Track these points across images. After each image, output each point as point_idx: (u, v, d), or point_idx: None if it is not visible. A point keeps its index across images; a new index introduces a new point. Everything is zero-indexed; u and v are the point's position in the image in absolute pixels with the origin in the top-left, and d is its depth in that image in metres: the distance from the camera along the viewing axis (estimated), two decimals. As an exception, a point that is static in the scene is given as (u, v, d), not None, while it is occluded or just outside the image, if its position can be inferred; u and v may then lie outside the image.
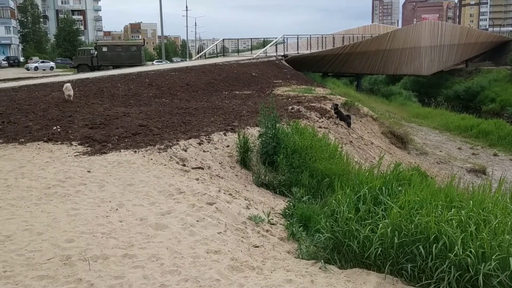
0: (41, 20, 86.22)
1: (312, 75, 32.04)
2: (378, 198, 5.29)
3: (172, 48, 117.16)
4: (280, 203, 7.38)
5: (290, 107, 14.59)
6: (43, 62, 53.29)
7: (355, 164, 9.47)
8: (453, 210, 4.38)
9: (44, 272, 4.08)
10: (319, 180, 8.00)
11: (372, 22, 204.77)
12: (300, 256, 4.95)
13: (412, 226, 4.21)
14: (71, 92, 14.49)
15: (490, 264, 3.72)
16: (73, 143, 9.09)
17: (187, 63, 31.27)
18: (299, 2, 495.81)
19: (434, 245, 3.94)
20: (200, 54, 43.03)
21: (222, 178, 7.88)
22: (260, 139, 9.27)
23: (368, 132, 16.19)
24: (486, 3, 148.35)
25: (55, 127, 10.38)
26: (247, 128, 10.63)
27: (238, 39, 41.65)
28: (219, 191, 6.84)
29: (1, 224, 5.12)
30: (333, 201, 5.36)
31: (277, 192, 8.14)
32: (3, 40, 75.19)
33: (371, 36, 43.17)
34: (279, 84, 22.99)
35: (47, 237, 4.80)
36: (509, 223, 4.27)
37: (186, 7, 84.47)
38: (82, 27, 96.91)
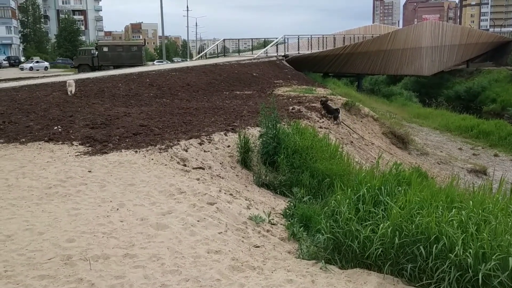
0: (42, 20, 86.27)
1: (312, 76, 32.04)
2: (378, 198, 5.29)
3: (173, 48, 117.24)
4: (281, 203, 7.39)
5: (290, 107, 14.59)
6: (37, 62, 53.25)
7: (355, 165, 9.48)
8: (453, 210, 4.38)
9: (45, 271, 4.09)
10: (320, 181, 8.01)
11: (373, 22, 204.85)
12: (301, 256, 4.96)
13: (413, 226, 4.21)
14: (72, 88, 15.32)
15: (490, 265, 3.72)
16: (74, 143, 9.10)
17: (188, 63, 31.30)
18: (299, 2, 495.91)
19: (435, 246, 3.95)
20: (201, 54, 43.06)
21: (222, 178, 7.89)
22: (260, 139, 9.27)
23: (369, 133, 16.20)
24: (487, 3, 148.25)
25: (56, 127, 10.39)
26: (248, 128, 10.63)
27: (239, 39, 41.58)
28: (220, 191, 6.85)
29: (2, 224, 5.13)
30: (333, 201, 5.36)
31: (278, 192, 8.14)
32: (4, 40, 75.24)
33: (372, 37, 43.18)
34: (279, 84, 22.99)
35: (48, 237, 4.81)
36: (510, 223, 4.28)
37: (187, 7, 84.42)
38: (82, 27, 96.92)
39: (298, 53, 35.90)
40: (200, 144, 9.15)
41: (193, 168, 7.93)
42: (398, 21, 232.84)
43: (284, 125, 10.21)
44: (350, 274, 4.37)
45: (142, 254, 4.49)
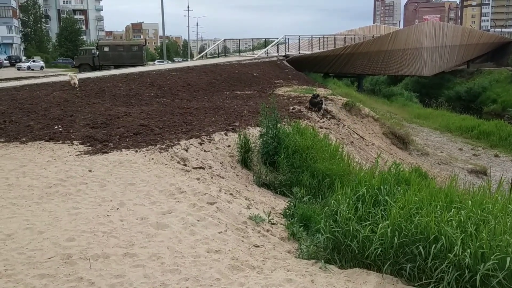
0: (43, 20, 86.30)
1: (313, 76, 32.05)
2: (377, 198, 5.30)
3: (174, 48, 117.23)
4: (281, 203, 7.40)
5: (291, 107, 14.60)
6: (34, 61, 53.27)
7: (356, 165, 9.48)
8: (453, 210, 4.39)
9: (45, 270, 4.10)
10: (320, 181, 8.01)
11: (374, 22, 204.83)
12: (301, 256, 4.96)
13: (412, 226, 4.22)
14: (76, 80, 16.77)
15: (489, 265, 3.72)
16: (75, 142, 9.12)
17: (189, 63, 31.31)
18: (300, 2, 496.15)
19: (434, 245, 3.96)
20: (201, 54, 43.08)
21: (223, 178, 7.90)
22: (261, 139, 9.28)
23: (369, 133, 16.20)
24: (488, 4, 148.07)
25: (56, 127, 10.41)
26: (248, 128, 10.64)
27: (239, 39, 41.60)
28: (220, 190, 6.86)
29: (2, 223, 5.14)
30: (333, 201, 5.37)
31: (278, 192, 8.15)
32: (5, 39, 75.24)
33: (373, 37, 43.17)
34: (280, 85, 23.00)
35: (48, 236, 4.82)
36: (509, 223, 4.28)
37: (188, 7, 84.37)
38: (83, 27, 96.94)
39: (299, 53, 35.91)
40: (201, 144, 9.16)
41: (193, 168, 7.94)
42: (399, 22, 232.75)
43: (284, 125, 10.22)
44: (350, 274, 4.37)
45: (142, 253, 4.50)
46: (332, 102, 17.21)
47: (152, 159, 8.00)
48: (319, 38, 40.59)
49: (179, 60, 72.43)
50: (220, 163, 8.62)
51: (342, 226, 4.71)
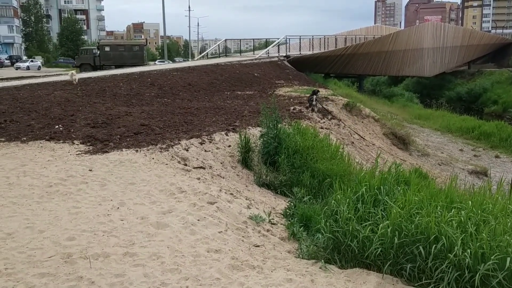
0: (44, 19, 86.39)
1: (314, 76, 32.05)
2: (377, 198, 5.30)
3: (175, 48, 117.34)
4: (281, 203, 7.40)
5: (292, 108, 14.61)
6: (32, 61, 53.33)
7: (356, 165, 9.48)
8: (453, 211, 4.39)
9: (45, 269, 4.10)
10: (320, 181, 8.02)
11: (375, 23, 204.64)
12: (301, 255, 4.96)
13: (413, 226, 4.22)
14: (76, 77, 17.59)
15: (489, 265, 3.72)
16: (75, 142, 9.12)
17: (189, 63, 31.32)
18: (301, 2, 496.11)
19: (434, 246, 3.96)
20: (202, 54, 43.12)
21: (223, 177, 7.90)
22: (261, 139, 9.28)
23: (369, 133, 16.20)
24: (489, 5, 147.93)
25: (57, 126, 10.42)
26: (249, 128, 10.65)
27: (240, 40, 41.61)
28: (220, 190, 6.86)
29: (3, 221, 5.14)
30: (333, 201, 5.37)
31: (278, 192, 8.15)
32: (6, 39, 75.32)
33: (374, 37, 43.15)
34: (281, 85, 23.00)
35: (49, 235, 4.82)
36: (509, 223, 4.28)
37: (189, 7, 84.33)
38: (84, 27, 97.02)
39: (300, 53, 35.92)
40: (201, 143, 9.17)
41: (194, 168, 7.94)
42: (400, 22, 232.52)
43: (285, 125, 10.22)
44: (350, 274, 4.37)
45: (142, 252, 4.50)
46: (333, 102, 17.22)
47: (153, 158, 8.01)
48: (320, 38, 40.57)
49: (180, 60, 72.47)
50: (221, 163, 8.63)
51: (342, 226, 4.71)
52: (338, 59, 36.58)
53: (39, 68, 50.09)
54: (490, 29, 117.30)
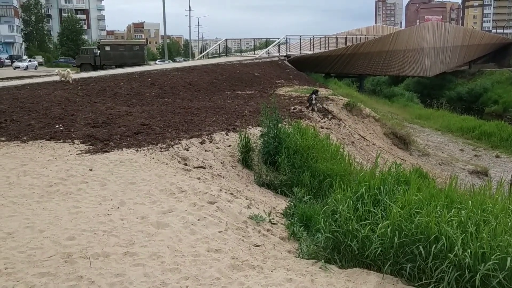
0: (45, 19, 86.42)
1: (314, 76, 32.03)
2: (377, 197, 5.30)
3: (175, 48, 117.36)
4: (281, 203, 7.40)
5: (292, 107, 14.60)
6: (30, 61, 53.33)
7: (356, 165, 9.47)
8: (453, 210, 4.39)
9: (45, 269, 4.10)
10: (321, 180, 8.01)
11: (375, 23, 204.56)
12: (301, 255, 4.96)
13: (413, 226, 4.21)
14: (71, 75, 18.23)
15: (490, 265, 3.72)
16: (75, 141, 9.13)
17: (190, 63, 31.32)
18: (302, 2, 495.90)
19: (434, 245, 3.95)
20: (202, 54, 43.10)
21: (223, 177, 7.90)
22: (261, 139, 9.28)
23: (370, 133, 16.19)
24: (490, 4, 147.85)
25: (57, 126, 10.42)
26: (249, 128, 10.64)
27: (241, 39, 41.59)
28: (221, 190, 6.86)
29: (3, 221, 5.15)
30: (333, 200, 5.37)
31: (278, 192, 8.15)
32: (6, 38, 75.36)
33: (374, 37, 43.14)
34: (281, 85, 22.99)
35: (49, 234, 4.82)
36: (509, 223, 4.28)
37: (189, 7, 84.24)
38: (85, 26, 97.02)
39: (300, 53, 35.91)
40: (201, 143, 9.17)
41: (194, 167, 7.94)
42: (401, 22, 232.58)
43: (285, 125, 10.22)
44: (350, 274, 4.37)
45: (142, 252, 4.50)
46: (333, 102, 17.21)
47: (153, 158, 8.00)
48: (321, 38, 40.57)
49: (180, 59, 72.53)
50: (221, 162, 8.63)
51: (342, 226, 4.71)
52: (339, 59, 36.57)
53: (35, 67, 50.02)
54: (490, 29, 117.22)
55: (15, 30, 76.80)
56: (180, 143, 8.95)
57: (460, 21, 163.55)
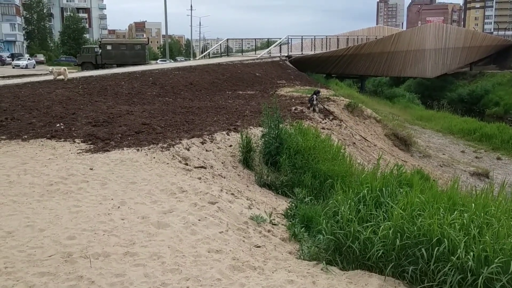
0: (47, 18, 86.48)
1: (315, 76, 31.99)
2: (379, 199, 5.27)
3: (176, 47, 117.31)
4: (282, 204, 7.37)
5: (293, 108, 14.58)
6: (29, 59, 53.33)
7: (358, 166, 9.45)
8: (455, 213, 4.36)
9: (45, 268, 4.08)
10: (322, 181, 7.98)
11: (377, 24, 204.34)
12: (302, 257, 4.93)
13: (415, 228, 4.18)
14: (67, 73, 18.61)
15: (493, 268, 3.69)
16: (76, 140, 9.11)
17: (191, 63, 31.30)
18: (303, 2, 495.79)
19: (437, 248, 3.92)
20: (204, 54, 43.03)
21: (224, 177, 7.87)
22: (263, 139, 9.26)
23: (371, 134, 16.17)
24: (491, 6, 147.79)
25: (58, 124, 10.40)
26: (250, 128, 10.62)
27: (242, 39, 41.56)
28: (221, 190, 6.83)
29: (3, 220, 5.12)
30: (334, 202, 5.34)
31: (279, 193, 8.13)
32: (8, 37, 75.40)
33: (376, 38, 43.09)
34: (282, 85, 22.97)
35: (49, 233, 4.80)
36: (512, 226, 4.25)
37: (191, 6, 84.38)
38: (87, 25, 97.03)
39: (301, 53, 35.87)
40: (202, 143, 9.15)
41: (195, 167, 7.92)
42: (402, 23, 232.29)
43: (286, 125, 10.19)
44: (351, 276, 4.34)
45: (142, 252, 4.48)
46: (334, 103, 17.18)
47: (154, 158, 7.98)
48: (322, 38, 40.54)
49: (182, 59, 72.48)
50: (222, 162, 8.60)
51: (343, 227, 4.68)
52: (340, 59, 36.53)
53: (34, 66, 49.95)
54: (492, 30, 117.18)
55: (16, 28, 76.81)
56: (181, 142, 8.93)
57: (462, 23, 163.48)
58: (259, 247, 5.11)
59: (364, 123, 17.13)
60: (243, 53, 39.25)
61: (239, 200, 6.66)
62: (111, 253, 4.42)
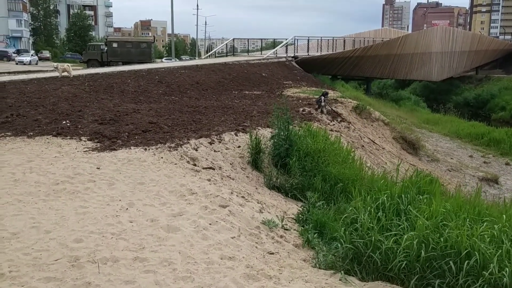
0: (53, 14, 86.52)
1: (321, 78, 31.80)
2: (398, 207, 5.06)
3: (182, 46, 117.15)
4: (292, 207, 7.17)
5: (301, 109, 14.38)
6: (32, 55, 53.28)
7: (367, 169, 9.25)
8: (485, 224, 4.14)
9: (51, 273, 3.90)
10: (332, 185, 7.80)
11: (382, 26, 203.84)
12: (317, 265, 4.73)
13: (442, 239, 3.96)
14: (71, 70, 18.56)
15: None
16: (83, 138, 8.93)
17: (197, 62, 31.13)
18: (309, 3, 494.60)
19: (466, 262, 3.71)
20: (209, 53, 42.89)
21: (233, 179, 7.67)
22: (272, 140, 9.06)
23: (379, 137, 15.96)
24: (498, 10, 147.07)
25: (64, 122, 10.23)
26: (258, 129, 10.42)
27: (248, 39, 41.38)
28: (232, 193, 6.63)
29: (8, 220, 4.94)
30: (353, 209, 5.12)
31: (289, 196, 7.92)
32: (14, 33, 75.39)
33: (382, 40, 42.85)
34: (289, 86, 22.78)
35: (55, 236, 4.61)
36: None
37: (197, 5, 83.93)
38: (92, 23, 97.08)
39: (308, 54, 35.69)
40: (210, 143, 8.95)
41: (203, 168, 7.72)
42: (407, 26, 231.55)
43: (295, 126, 9.99)
44: (372, 287, 4.14)
45: (152, 258, 4.28)
46: (342, 104, 16.98)
47: (162, 157, 7.79)
48: (328, 40, 40.38)
49: (187, 58, 72.36)
50: (230, 163, 8.40)
51: (363, 236, 4.47)
52: (346, 61, 36.31)
53: (36, 62, 49.88)
54: (498, 34, 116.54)
55: (23, 24, 76.80)
56: (189, 142, 8.73)
57: (468, 26, 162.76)
58: (272, 253, 4.91)
59: (372, 125, 16.92)
60: (249, 53, 39.06)
61: (250, 204, 6.45)
62: (120, 258, 4.23)
